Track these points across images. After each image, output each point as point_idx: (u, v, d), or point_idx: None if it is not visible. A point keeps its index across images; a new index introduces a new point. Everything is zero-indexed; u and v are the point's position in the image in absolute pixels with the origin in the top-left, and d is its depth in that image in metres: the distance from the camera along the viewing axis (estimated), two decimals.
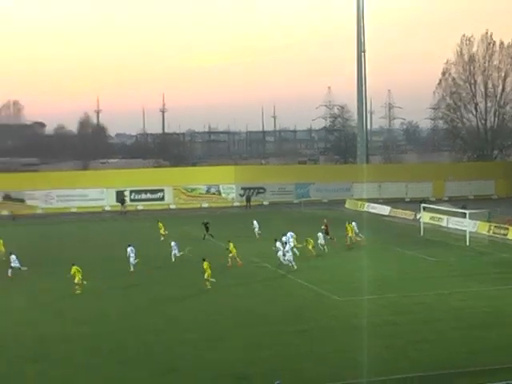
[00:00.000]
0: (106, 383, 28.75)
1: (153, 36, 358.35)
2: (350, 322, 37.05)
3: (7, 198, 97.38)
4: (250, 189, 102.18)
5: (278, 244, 54.21)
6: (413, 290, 44.32)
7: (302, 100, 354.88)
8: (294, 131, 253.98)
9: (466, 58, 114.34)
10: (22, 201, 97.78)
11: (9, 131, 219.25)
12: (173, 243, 56.56)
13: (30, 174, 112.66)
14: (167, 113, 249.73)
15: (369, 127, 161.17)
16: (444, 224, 73.23)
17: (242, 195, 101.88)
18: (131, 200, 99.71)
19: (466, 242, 62.20)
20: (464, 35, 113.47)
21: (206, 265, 45.73)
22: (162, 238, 64.20)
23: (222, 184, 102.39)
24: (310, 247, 56.46)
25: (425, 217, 73.06)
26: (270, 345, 33.29)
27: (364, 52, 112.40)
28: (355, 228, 63.03)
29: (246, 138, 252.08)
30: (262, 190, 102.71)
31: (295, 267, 51.06)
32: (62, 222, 79.16)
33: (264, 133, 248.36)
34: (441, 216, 73.97)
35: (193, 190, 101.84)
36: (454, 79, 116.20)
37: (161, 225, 66.51)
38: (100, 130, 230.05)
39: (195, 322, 37.94)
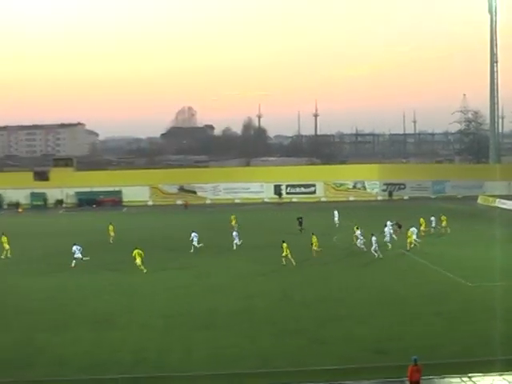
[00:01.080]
0: (262, 351, 29.51)
1: (309, 48, 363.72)
2: (484, 306, 36.37)
3: (181, 189, 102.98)
4: (391, 184, 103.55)
5: (358, 233, 55.54)
6: None
7: (439, 106, 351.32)
8: (432, 134, 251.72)
9: None
10: (194, 192, 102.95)
11: (184, 133, 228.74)
12: (234, 233, 58.35)
13: (201, 170, 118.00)
14: (319, 117, 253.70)
15: (500, 130, 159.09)
16: None
17: (384, 190, 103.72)
18: (287, 193, 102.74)
19: None
20: None
21: (284, 246, 49.18)
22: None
23: (367, 180, 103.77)
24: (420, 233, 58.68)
25: None
26: (409, 324, 33.34)
27: (496, 62, 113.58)
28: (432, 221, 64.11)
29: (388, 139, 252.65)
30: (402, 186, 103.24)
31: (380, 256, 51.50)
32: (227, 211, 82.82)
33: (405, 135, 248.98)
34: None
35: (341, 184, 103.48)
36: None
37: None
38: (261, 132, 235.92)
39: (344, 301, 38.35)
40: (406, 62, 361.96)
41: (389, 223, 59.07)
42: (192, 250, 55.20)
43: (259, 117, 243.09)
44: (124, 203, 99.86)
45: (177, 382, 26.27)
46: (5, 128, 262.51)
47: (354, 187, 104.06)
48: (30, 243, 62.44)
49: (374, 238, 52.31)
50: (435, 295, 39.63)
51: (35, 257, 55.73)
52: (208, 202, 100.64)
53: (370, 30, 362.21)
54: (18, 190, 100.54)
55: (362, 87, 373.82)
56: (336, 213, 69.43)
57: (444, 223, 63.90)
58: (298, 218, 67.31)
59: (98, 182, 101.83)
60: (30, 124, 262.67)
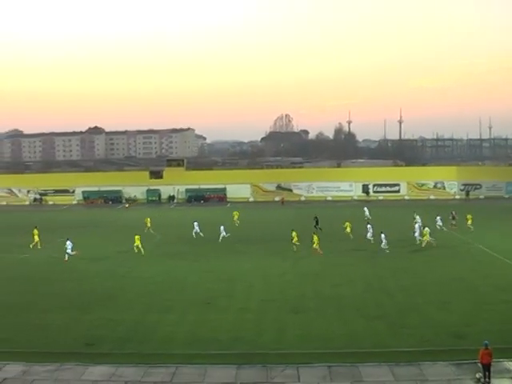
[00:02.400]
0: (348, 333, 29.62)
1: (394, 61, 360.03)
2: None
3: (279, 187, 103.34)
4: (469, 185, 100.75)
5: (417, 225, 55.39)
6: None
7: None
8: (506, 139, 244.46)
9: None
10: (290, 190, 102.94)
11: (281, 137, 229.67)
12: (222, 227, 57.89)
13: (296, 170, 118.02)
14: (403, 123, 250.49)
15: None
16: None
17: (462, 190, 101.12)
18: (374, 192, 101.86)
19: None
20: None
21: (294, 233, 51.85)
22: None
23: (446, 180, 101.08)
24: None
25: None
26: (482, 310, 32.74)
27: None
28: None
29: (466, 143, 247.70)
30: (478, 186, 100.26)
31: (423, 245, 51.92)
32: (320, 207, 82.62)
33: (481, 140, 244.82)
34: None
35: (423, 184, 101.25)
36: None
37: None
38: (350, 136, 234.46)
39: (421, 290, 37.69)
40: (483, 72, 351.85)
41: (438, 218, 60.16)
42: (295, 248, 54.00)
43: (349, 123, 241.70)
44: (228, 199, 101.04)
45: (270, 358, 26.54)
46: (125, 132, 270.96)
47: (435, 187, 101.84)
48: (151, 233, 63.66)
49: (382, 235, 51.89)
50: (506, 285, 38.69)
51: (153, 245, 57.05)
52: (302, 198, 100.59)
53: (449, 42, 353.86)
54: (135, 186, 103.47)
55: (442, 96, 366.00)
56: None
57: (469, 222, 62.04)
58: (314, 218, 64.79)
59: (206, 180, 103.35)
60: (147, 129, 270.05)
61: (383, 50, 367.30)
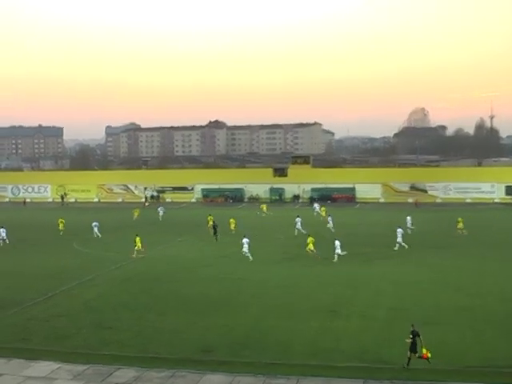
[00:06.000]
0: (484, 350, 28.70)
1: None
2: None
3: (412, 187, 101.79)
4: None
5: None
6: None
7: None
8: None
9: None
10: (425, 191, 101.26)
11: (416, 133, 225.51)
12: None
13: (432, 169, 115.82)
14: None
15: None
16: None
17: None
18: None
19: None
20: None
21: (310, 239, 52.02)
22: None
23: None
24: None
25: None
26: None
27: None
28: None
29: None
30: None
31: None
32: (458, 210, 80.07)
33: None
34: None
35: None
36: None
37: None
38: (493, 132, 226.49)
39: None
40: None
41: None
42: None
43: (491, 117, 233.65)
44: (357, 200, 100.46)
45: (398, 373, 26.14)
46: (247, 127, 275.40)
47: None
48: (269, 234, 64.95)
49: (399, 230, 55.01)
50: None
51: (276, 246, 58.11)
52: (438, 200, 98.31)
53: None
54: (258, 184, 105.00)
55: None
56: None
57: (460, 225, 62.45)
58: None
59: (333, 178, 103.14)
60: (271, 124, 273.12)
61: None
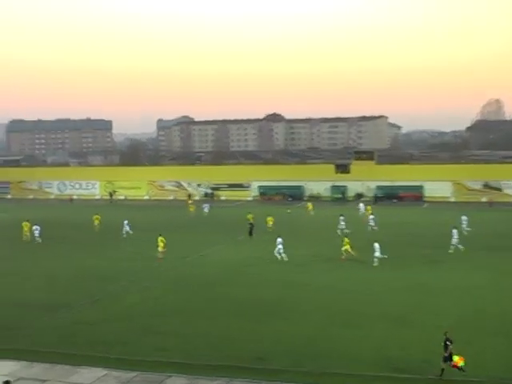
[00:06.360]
0: None
1: None
2: None
3: (486, 186, 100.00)
4: None
5: None
6: None
7: None
8: None
9: None
10: (499, 189, 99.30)
11: (490, 126, 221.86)
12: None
13: (507, 166, 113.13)
14: None
15: None
16: None
17: None
18: None
19: None
20: None
21: (345, 241, 52.87)
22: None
23: None
24: None
25: None
26: None
27: None
28: None
29: None
30: None
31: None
32: None
33: None
34: None
35: None
36: None
37: None
38: None
39: None
40: None
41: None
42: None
43: None
44: (425, 199, 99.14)
45: None
46: (308, 120, 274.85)
47: None
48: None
49: (454, 231, 54.97)
50: None
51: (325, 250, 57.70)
52: None
53: None
54: (319, 182, 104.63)
55: None
56: None
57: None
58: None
59: (399, 175, 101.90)
60: (333, 117, 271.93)
61: None
